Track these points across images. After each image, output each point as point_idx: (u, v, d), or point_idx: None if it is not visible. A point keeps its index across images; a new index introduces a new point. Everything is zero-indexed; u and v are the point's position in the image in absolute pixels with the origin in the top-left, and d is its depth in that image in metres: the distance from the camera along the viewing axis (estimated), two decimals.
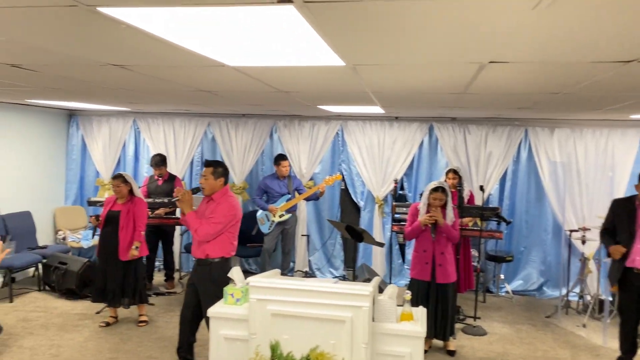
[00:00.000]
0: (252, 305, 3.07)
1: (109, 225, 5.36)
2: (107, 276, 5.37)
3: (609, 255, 4.53)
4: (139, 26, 2.04)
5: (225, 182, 4.25)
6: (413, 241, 4.81)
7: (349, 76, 3.26)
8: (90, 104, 6.52)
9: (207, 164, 4.26)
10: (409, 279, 4.99)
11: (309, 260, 7.83)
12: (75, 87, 4.36)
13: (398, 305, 3.25)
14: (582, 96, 4.03)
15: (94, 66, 3.14)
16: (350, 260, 7.75)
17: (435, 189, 4.71)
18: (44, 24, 2.06)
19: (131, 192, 5.43)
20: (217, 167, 4.19)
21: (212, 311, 3.32)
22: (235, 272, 3.45)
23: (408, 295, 3.19)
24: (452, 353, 4.95)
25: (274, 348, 3.03)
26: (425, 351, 4.97)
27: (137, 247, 5.34)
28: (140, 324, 5.53)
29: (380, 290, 3.66)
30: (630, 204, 4.42)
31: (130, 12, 1.82)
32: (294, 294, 3.03)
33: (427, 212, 4.72)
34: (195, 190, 4.38)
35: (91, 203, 6.63)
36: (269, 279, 3.10)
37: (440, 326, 4.81)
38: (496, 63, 2.72)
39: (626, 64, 2.62)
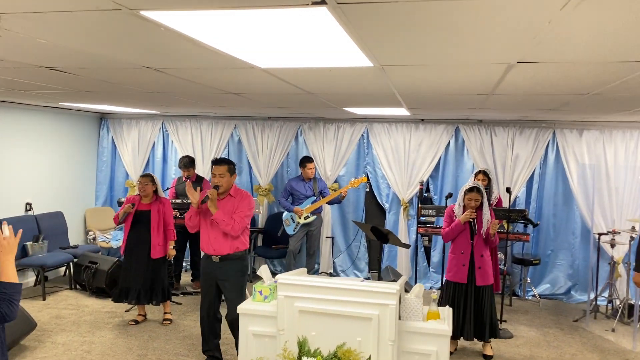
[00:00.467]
0: (280, 302, 3.12)
1: (138, 225, 5.49)
2: (135, 274, 5.49)
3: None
4: (176, 28, 2.11)
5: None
6: (441, 245, 4.84)
7: (377, 77, 3.30)
8: (121, 107, 6.68)
9: (219, 161, 4.35)
10: (439, 281, 5.00)
11: (334, 262, 7.87)
12: (110, 89, 4.49)
13: (424, 305, 3.27)
14: (610, 97, 4.00)
15: (129, 69, 3.24)
16: (375, 262, 7.77)
17: (470, 189, 4.73)
18: (86, 27, 2.15)
19: (156, 192, 5.56)
20: (230, 164, 4.38)
21: (241, 308, 3.39)
22: (264, 270, 3.52)
23: (435, 294, 3.21)
24: (488, 358, 4.92)
25: (301, 344, 3.09)
26: (451, 353, 4.98)
27: (174, 247, 5.58)
28: (165, 322, 5.65)
29: (406, 291, 3.68)
30: None
31: (170, 15, 1.90)
32: (321, 291, 3.07)
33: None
34: (216, 188, 4.44)
35: (121, 203, 6.79)
36: (297, 276, 3.15)
37: (478, 328, 4.79)
38: (524, 63, 2.73)
39: None
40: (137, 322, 5.68)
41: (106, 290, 6.50)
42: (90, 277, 6.60)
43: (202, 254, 4.51)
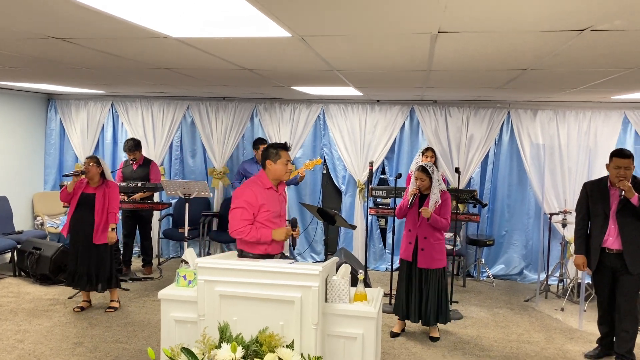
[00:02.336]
0: (200, 286, 2.98)
1: (82, 208, 5.27)
2: (80, 259, 5.29)
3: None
4: None
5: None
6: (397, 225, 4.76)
7: (304, 50, 3.15)
8: (63, 86, 6.39)
9: (286, 146, 3.85)
10: (389, 263, 4.93)
11: (290, 245, 7.73)
12: (30, 65, 4.24)
13: (352, 286, 3.16)
14: (550, 73, 3.91)
15: (36, 39, 3.02)
16: (332, 245, 7.67)
17: (417, 168, 4.66)
18: None
19: (103, 175, 5.34)
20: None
21: (162, 293, 3.24)
22: (189, 254, 3.37)
23: (361, 275, 3.10)
24: (434, 339, 4.87)
25: (222, 330, 2.95)
26: (398, 334, 4.93)
27: (113, 229, 5.30)
28: (109, 310, 5.45)
29: (353, 274, 3.55)
30: (603, 185, 4.35)
31: None
32: (242, 274, 2.94)
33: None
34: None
35: (67, 175, 6.49)
36: (217, 260, 3.01)
37: (423, 312, 4.73)
38: (446, 33, 2.60)
39: (580, 34, 2.51)
40: (82, 308, 5.49)
41: (50, 276, 6.27)
42: (34, 263, 6.36)
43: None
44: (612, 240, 4.25)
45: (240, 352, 2.81)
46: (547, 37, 2.60)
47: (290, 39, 2.81)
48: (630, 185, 4.04)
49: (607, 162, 4.26)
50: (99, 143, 8.12)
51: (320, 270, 2.86)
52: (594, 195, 4.40)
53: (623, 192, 4.06)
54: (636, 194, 4.02)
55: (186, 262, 3.40)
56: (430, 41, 2.80)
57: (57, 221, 7.76)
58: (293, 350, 2.88)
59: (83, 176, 5.26)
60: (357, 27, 2.53)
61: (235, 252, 3.65)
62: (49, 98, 8.19)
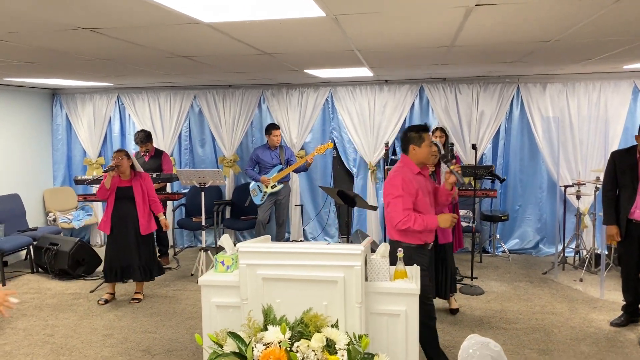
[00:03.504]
0: (242, 270, 2.99)
1: (122, 202, 5.34)
2: (126, 252, 5.34)
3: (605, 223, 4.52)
4: None
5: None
6: None
7: (332, 30, 3.13)
8: (71, 79, 6.34)
9: (426, 128, 3.71)
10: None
11: (304, 230, 7.77)
12: (50, 58, 4.20)
13: (391, 265, 3.18)
14: (572, 44, 3.91)
15: (63, 31, 2.99)
16: (344, 227, 7.70)
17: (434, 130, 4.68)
18: None
19: (133, 167, 5.38)
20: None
21: (202, 279, 3.25)
22: (225, 240, 3.37)
23: (400, 252, 3.12)
24: (454, 311, 4.93)
25: (266, 313, 2.97)
26: None
27: (165, 217, 5.57)
28: (133, 301, 5.47)
29: (372, 251, 3.58)
30: (631, 156, 4.32)
31: None
32: (284, 257, 2.95)
33: None
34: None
35: (78, 182, 6.52)
36: (258, 244, 3.02)
37: (442, 285, 4.78)
38: (483, 6, 2.59)
39: (617, 1, 2.50)
40: (107, 301, 5.50)
41: (69, 271, 6.28)
42: (52, 259, 6.36)
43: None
44: (639, 212, 4.26)
45: (287, 333, 2.83)
46: (584, 5, 2.59)
47: (323, 19, 2.79)
48: None
49: (637, 134, 4.24)
50: (107, 136, 8.08)
51: (362, 249, 2.88)
52: (622, 165, 4.38)
53: None
54: None
55: (207, 250, 3.40)
56: (465, 15, 2.79)
57: (70, 216, 7.74)
58: (338, 329, 2.90)
59: (116, 170, 5.26)
60: (392, 4, 2.52)
61: (269, 236, 3.65)
62: (54, 93, 8.13)
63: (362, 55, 4.33)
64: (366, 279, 3.07)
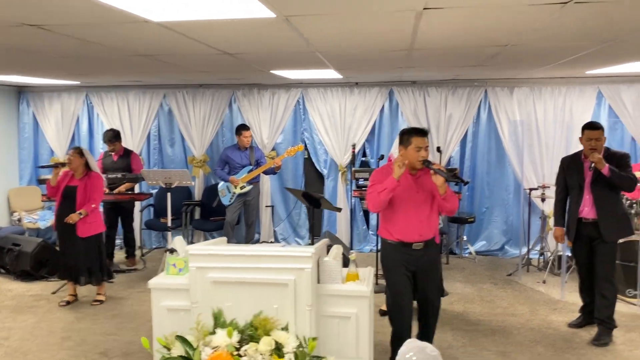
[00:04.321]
0: (192, 273, 2.97)
1: (66, 201, 5.20)
2: (70, 253, 5.23)
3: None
4: None
5: None
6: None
7: (287, 31, 3.12)
8: (35, 77, 6.23)
9: (423, 132, 3.53)
10: (374, 244, 4.95)
11: (275, 231, 7.74)
12: (5, 55, 4.12)
13: (344, 267, 3.18)
14: (530, 49, 3.96)
15: (9, 27, 2.93)
16: (315, 229, 7.69)
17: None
18: None
19: (87, 166, 5.25)
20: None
21: (153, 282, 3.22)
22: (178, 242, 3.34)
23: (353, 255, 3.12)
24: None
25: (216, 316, 2.95)
26: (386, 312, 4.97)
27: (80, 214, 5.09)
28: (95, 303, 5.39)
29: (345, 256, 3.53)
30: (577, 159, 4.46)
31: None
32: (234, 259, 2.93)
33: None
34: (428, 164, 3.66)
35: (42, 181, 6.42)
36: (209, 246, 3.00)
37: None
38: (431, 9, 2.60)
39: (564, 6, 2.53)
40: (68, 302, 5.40)
41: (31, 272, 6.16)
42: (14, 259, 6.23)
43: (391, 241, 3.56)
44: (587, 210, 4.37)
45: (235, 336, 2.81)
46: (532, 10, 2.62)
47: (274, 20, 2.78)
48: (600, 156, 4.13)
49: (580, 136, 4.35)
50: (75, 135, 7.95)
51: (312, 252, 2.87)
52: (569, 169, 4.53)
53: (594, 164, 4.14)
54: (607, 165, 4.11)
55: (173, 251, 3.36)
56: (415, 18, 2.80)
57: (35, 216, 7.60)
58: (288, 332, 2.89)
59: (64, 168, 5.15)
60: (343, 5, 2.52)
61: (224, 239, 3.63)
62: (20, 91, 7.98)
63: (324, 57, 4.33)
64: (318, 282, 3.07)
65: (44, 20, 2.75)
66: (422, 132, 3.50)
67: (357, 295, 3.00)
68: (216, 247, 3.01)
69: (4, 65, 4.87)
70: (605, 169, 4.11)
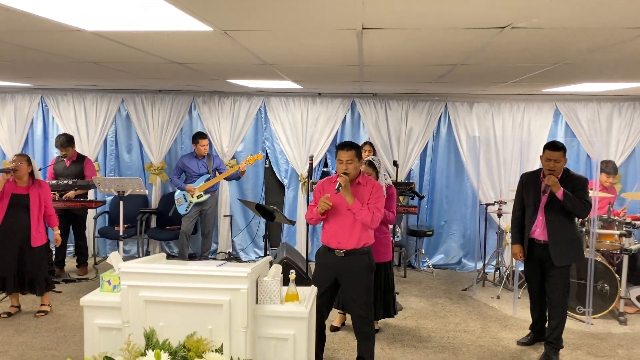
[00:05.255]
0: (123, 292, 2.86)
1: (14, 210, 5.01)
2: (11, 262, 5.02)
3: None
4: None
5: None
6: None
7: (229, 43, 3.04)
8: None
9: (348, 146, 3.75)
10: None
11: (233, 241, 7.63)
12: None
13: (284, 286, 3.11)
14: (481, 68, 3.97)
15: None
16: (275, 239, 7.60)
17: (365, 162, 4.57)
18: None
19: (32, 175, 5.11)
20: (359, 149, 3.82)
21: (85, 300, 3.09)
22: (114, 258, 3.22)
23: (293, 274, 3.06)
24: (375, 331, 4.88)
25: (148, 336, 2.85)
26: (338, 328, 4.93)
27: (56, 231, 5.19)
28: (39, 314, 5.20)
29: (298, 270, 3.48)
30: (536, 177, 4.45)
31: None
32: (168, 278, 2.84)
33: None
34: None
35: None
36: (141, 264, 2.89)
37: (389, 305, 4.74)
38: (371, 30, 2.57)
39: (502, 30, 2.53)
40: (10, 314, 5.20)
41: None
42: None
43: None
44: (539, 231, 4.37)
45: (166, 358, 2.71)
46: (471, 34, 2.61)
47: (212, 33, 2.71)
48: (556, 179, 4.13)
49: (541, 154, 4.34)
50: (28, 138, 7.71)
51: (249, 272, 2.79)
52: (527, 186, 4.52)
53: (548, 187, 4.15)
54: (562, 189, 4.11)
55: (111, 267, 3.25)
56: (357, 37, 2.76)
57: None
58: (222, 354, 2.81)
59: (12, 174, 4.98)
60: (278, 21, 2.46)
61: (164, 254, 3.52)
62: None
63: (277, 69, 4.27)
64: (257, 302, 2.99)
65: None
66: (343, 146, 3.78)
67: (295, 316, 2.93)
68: (149, 265, 2.90)
69: None
70: (559, 192, 4.11)
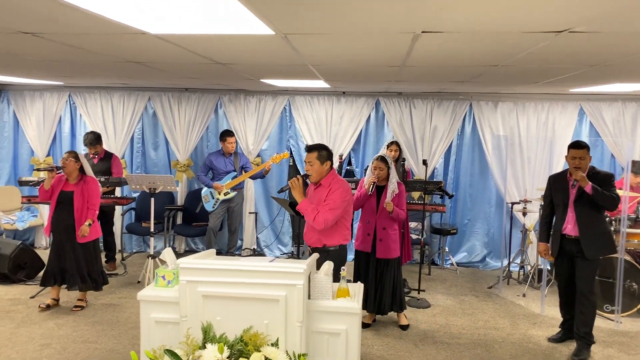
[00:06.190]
0: (182, 287, 2.94)
1: (61, 207, 5.13)
2: (62, 258, 5.17)
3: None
4: None
5: (331, 165, 4.04)
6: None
7: (283, 46, 3.12)
8: (20, 77, 6.11)
9: (310, 148, 3.98)
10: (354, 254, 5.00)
11: (257, 238, 7.72)
12: None
13: (335, 282, 3.19)
14: (520, 69, 4.03)
15: (3, 34, 2.88)
16: (298, 237, 7.68)
17: (376, 158, 4.72)
18: None
19: (82, 171, 5.19)
20: (322, 151, 3.94)
21: (142, 294, 3.18)
22: (167, 254, 3.31)
23: (344, 271, 3.14)
24: (404, 327, 4.98)
25: (206, 330, 2.93)
26: (368, 325, 5.01)
27: (89, 224, 5.12)
28: (75, 309, 5.31)
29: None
30: (563, 177, 4.56)
31: None
32: (225, 274, 2.92)
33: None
34: (305, 177, 4.05)
35: (22, 183, 6.30)
36: (199, 260, 2.98)
37: (379, 301, 4.84)
38: (429, 33, 2.64)
39: (558, 34, 2.59)
40: (48, 306, 5.31)
41: (9, 275, 6.03)
42: None
43: None
44: (570, 227, 4.46)
45: (225, 352, 2.80)
46: (526, 37, 2.68)
47: (272, 37, 2.78)
48: (583, 175, 4.24)
49: (566, 154, 4.44)
50: (56, 136, 7.82)
51: (304, 268, 2.88)
52: (555, 187, 4.63)
53: (577, 182, 4.26)
54: (590, 183, 4.21)
55: (155, 257, 3.33)
56: (412, 40, 2.83)
57: (14, 217, 7.45)
58: (278, 348, 2.89)
59: (58, 172, 5.07)
60: (341, 26, 2.54)
61: (214, 250, 3.61)
62: (1, 89, 7.82)
63: (316, 70, 4.34)
64: (309, 297, 3.07)
65: (39, 29, 2.71)
66: (306, 148, 4.02)
67: (347, 312, 3.01)
68: (207, 261, 2.99)
69: None
70: (588, 187, 4.21)
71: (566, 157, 4.45)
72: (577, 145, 4.35)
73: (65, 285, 5.28)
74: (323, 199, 3.91)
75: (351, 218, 4.15)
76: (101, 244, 7.12)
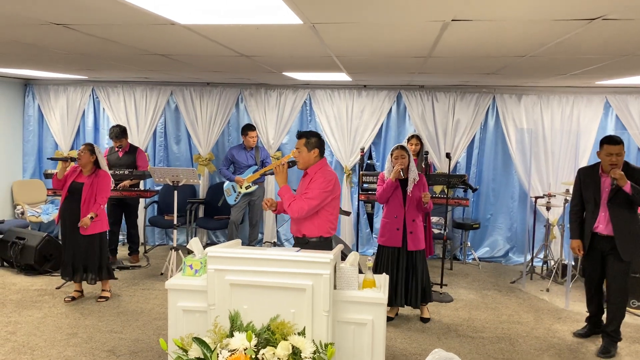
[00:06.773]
0: (210, 275, 2.97)
1: (71, 197, 5.18)
2: (71, 250, 5.23)
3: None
4: None
5: (322, 154, 3.88)
6: (381, 210, 4.81)
7: (309, 36, 3.12)
8: (45, 71, 6.21)
9: (300, 135, 3.86)
10: (377, 248, 4.97)
11: (277, 232, 7.75)
12: (23, 51, 4.11)
13: (360, 273, 3.19)
14: (546, 60, 3.97)
15: (34, 25, 2.92)
16: None
17: (395, 147, 4.71)
18: None
19: (97, 164, 5.23)
20: (310, 138, 3.80)
21: (169, 283, 3.21)
22: (194, 243, 3.34)
23: (370, 262, 3.14)
24: (425, 320, 4.97)
25: (233, 318, 2.95)
26: (392, 318, 5.00)
27: (91, 217, 5.08)
28: (100, 300, 5.38)
29: (343, 259, 3.59)
30: (595, 172, 4.39)
31: None
32: (252, 263, 2.93)
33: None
34: (292, 164, 3.99)
35: (48, 175, 6.39)
36: (228, 249, 3.00)
37: (412, 294, 4.81)
38: (459, 21, 2.61)
39: (590, 22, 2.55)
40: (73, 298, 5.39)
41: (35, 267, 6.14)
42: (18, 253, 6.21)
43: None
44: (602, 227, 4.31)
45: (253, 340, 2.81)
46: (558, 25, 2.64)
47: (300, 27, 2.78)
48: (622, 173, 4.06)
49: (598, 150, 4.29)
50: (80, 129, 7.93)
51: (331, 258, 2.88)
52: (586, 182, 4.44)
53: (615, 181, 4.08)
54: (629, 182, 4.04)
55: (178, 249, 3.36)
56: (441, 29, 2.81)
57: (39, 210, 7.59)
58: (305, 337, 2.90)
59: (73, 163, 5.14)
60: (370, 14, 2.53)
61: (239, 241, 3.63)
62: (26, 83, 7.95)
63: (340, 61, 4.33)
64: (335, 287, 3.08)
65: (69, 19, 2.74)
66: (297, 135, 3.92)
67: (373, 302, 3.01)
68: (235, 249, 3.01)
69: (20, 60, 4.85)
70: (627, 186, 4.03)
71: (599, 153, 4.27)
72: (612, 141, 4.13)
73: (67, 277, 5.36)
74: (305, 187, 3.82)
75: (337, 212, 3.95)
76: (124, 236, 7.26)
